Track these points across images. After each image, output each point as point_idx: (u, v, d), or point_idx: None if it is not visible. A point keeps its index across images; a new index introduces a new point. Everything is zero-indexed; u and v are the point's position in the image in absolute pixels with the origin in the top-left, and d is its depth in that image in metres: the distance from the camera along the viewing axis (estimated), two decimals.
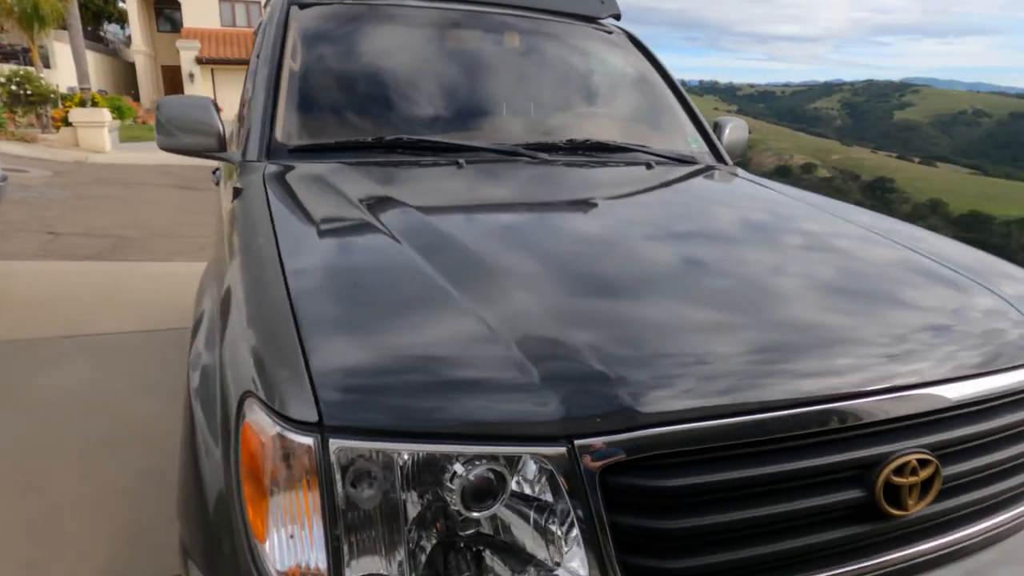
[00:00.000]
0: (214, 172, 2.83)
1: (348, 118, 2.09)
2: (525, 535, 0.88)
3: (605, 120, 2.41)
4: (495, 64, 2.39)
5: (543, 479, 0.87)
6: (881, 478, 0.99)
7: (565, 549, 0.87)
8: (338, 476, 0.85)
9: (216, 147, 1.98)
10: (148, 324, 4.48)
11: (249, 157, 1.92)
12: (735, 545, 0.93)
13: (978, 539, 1.11)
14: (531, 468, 0.88)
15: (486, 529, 0.88)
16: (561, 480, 0.87)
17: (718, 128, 2.64)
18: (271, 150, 1.92)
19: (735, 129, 2.68)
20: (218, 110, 2.04)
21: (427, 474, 0.86)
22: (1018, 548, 1.15)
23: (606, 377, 0.92)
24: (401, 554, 0.85)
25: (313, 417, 0.85)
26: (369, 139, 1.98)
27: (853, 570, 0.99)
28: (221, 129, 1.97)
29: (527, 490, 0.88)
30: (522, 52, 2.46)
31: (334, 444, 0.85)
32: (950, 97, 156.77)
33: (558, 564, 0.87)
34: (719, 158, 2.48)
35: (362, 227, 1.40)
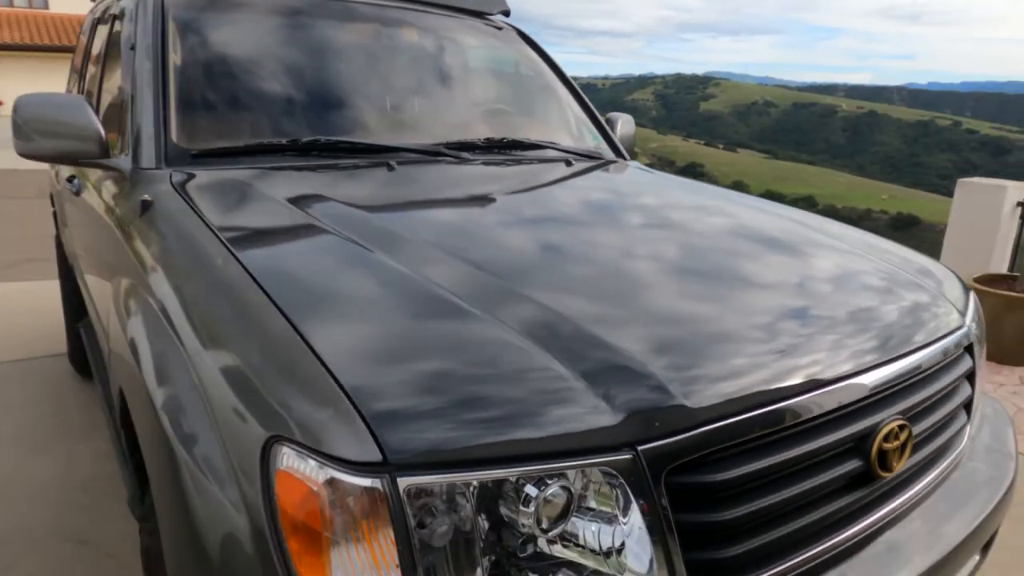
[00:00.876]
0: (70, 180, 2.45)
1: (252, 118, 1.91)
2: (596, 543, 0.86)
3: (515, 118, 2.41)
4: (401, 61, 2.29)
5: (612, 488, 0.86)
6: (875, 446, 1.09)
7: (635, 552, 0.87)
8: (411, 515, 0.78)
9: (97, 152, 1.72)
10: None
11: (144, 164, 1.69)
12: (772, 525, 0.98)
13: (930, 486, 1.26)
14: (600, 478, 0.86)
15: (559, 544, 0.85)
16: (629, 486, 0.86)
17: (611, 123, 2.73)
18: (169, 156, 1.70)
19: (625, 124, 2.80)
20: None
21: (498, 499, 0.82)
22: (954, 490, 1.32)
23: (657, 381, 0.93)
24: (466, 568, 0.80)
25: (376, 456, 0.77)
26: (283, 141, 1.82)
27: (855, 531, 1.09)
28: (102, 132, 1.71)
29: (597, 500, 0.86)
30: (426, 49, 2.38)
31: (403, 482, 0.78)
32: (744, 90, 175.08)
33: (628, 568, 0.87)
34: (618, 153, 2.57)
35: (329, 240, 1.28)
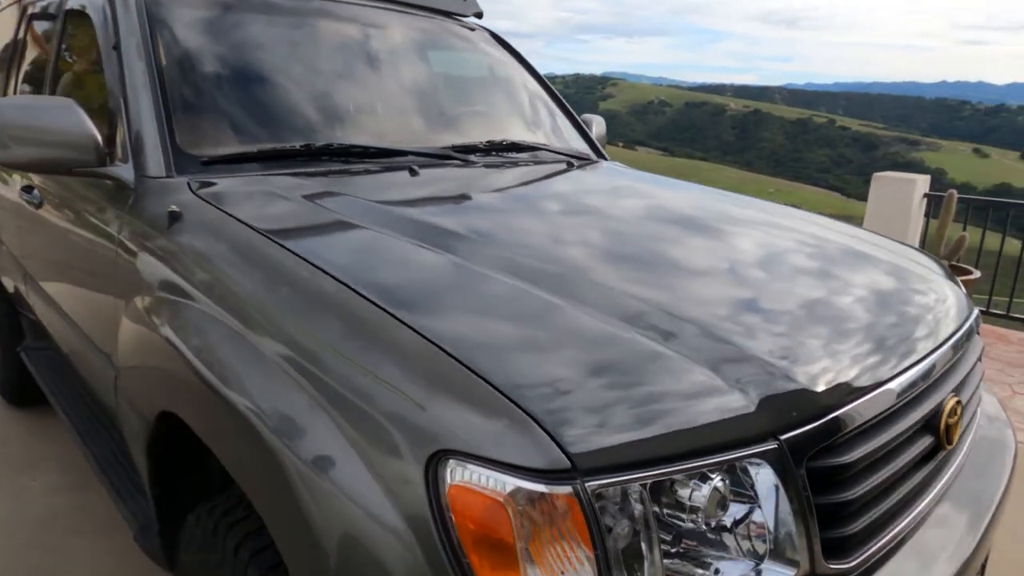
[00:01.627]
0: (27, 190, 2.23)
1: (257, 122, 1.81)
2: (750, 531, 0.89)
3: (507, 120, 2.41)
4: (397, 63, 2.24)
5: (761, 476, 0.90)
6: (943, 421, 1.19)
7: (785, 535, 0.91)
8: (600, 517, 0.78)
9: (93, 160, 1.58)
10: None
11: (151, 173, 1.58)
12: (877, 501, 1.05)
13: (968, 452, 1.38)
14: (751, 469, 0.89)
15: (721, 534, 0.88)
16: (776, 474, 0.90)
17: (587, 124, 2.79)
18: (178, 164, 1.60)
19: (598, 125, 2.87)
20: None
21: (667, 495, 0.84)
22: (977, 454, 1.45)
23: (786, 373, 0.97)
24: (649, 565, 0.82)
25: (564, 463, 0.77)
26: (296, 146, 1.75)
27: (929, 499, 1.18)
28: (98, 138, 1.58)
29: (749, 489, 0.90)
30: (421, 52, 2.34)
31: (591, 486, 0.78)
32: (640, 89, 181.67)
33: (781, 550, 0.91)
34: (598, 153, 2.63)
35: (400, 245, 1.25)
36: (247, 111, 1.82)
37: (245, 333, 1.10)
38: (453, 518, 0.80)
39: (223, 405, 1.08)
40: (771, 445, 0.90)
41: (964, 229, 4.80)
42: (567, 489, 0.78)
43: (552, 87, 2.79)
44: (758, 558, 0.90)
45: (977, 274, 4.50)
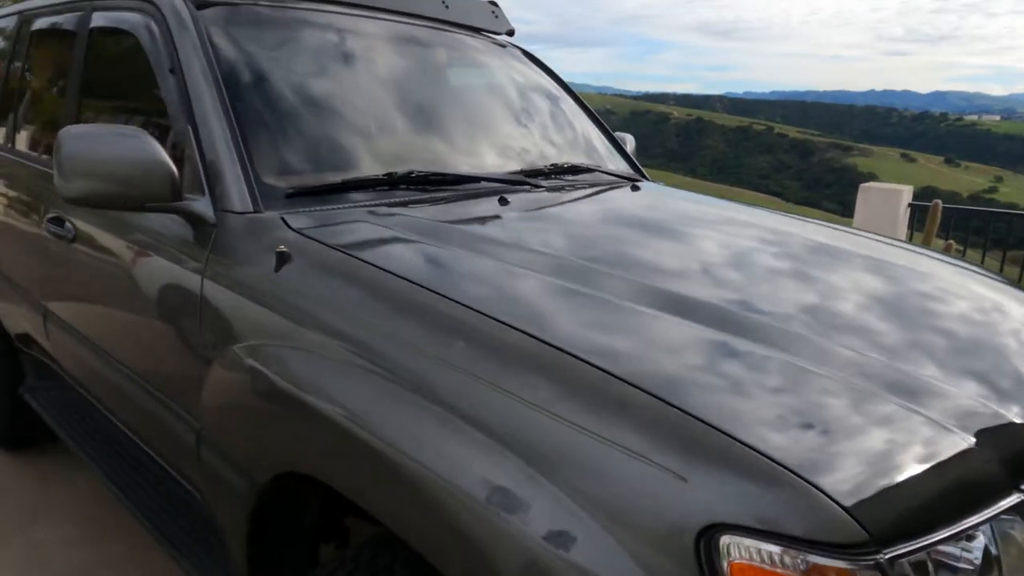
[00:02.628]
0: (56, 222, 2.05)
1: (335, 150, 1.71)
2: None
3: (564, 141, 2.36)
4: (457, 88, 2.16)
5: (1018, 530, 0.86)
6: None
7: None
8: None
9: (167, 195, 1.46)
10: None
11: (235, 208, 1.46)
12: None
13: None
14: (1007, 524, 0.86)
15: None
16: (1021, 525, 0.87)
17: (621, 142, 2.77)
18: (264, 197, 1.49)
19: (630, 143, 2.85)
20: None
21: (944, 558, 0.79)
22: None
23: (1008, 419, 0.94)
24: None
25: (863, 535, 0.72)
26: (380, 175, 1.66)
27: None
28: (174, 171, 1.46)
29: (999, 545, 0.86)
30: (480, 76, 2.27)
31: (888, 555, 0.73)
32: (586, 99, 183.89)
33: None
34: (639, 171, 2.61)
35: (539, 282, 1.18)
36: (321, 138, 1.72)
37: (415, 391, 1.01)
38: None
39: (396, 471, 0.98)
40: (1020, 497, 0.87)
41: (948, 238, 4.98)
42: (870, 562, 0.72)
43: (588, 105, 2.76)
44: None
45: None
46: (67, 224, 1.97)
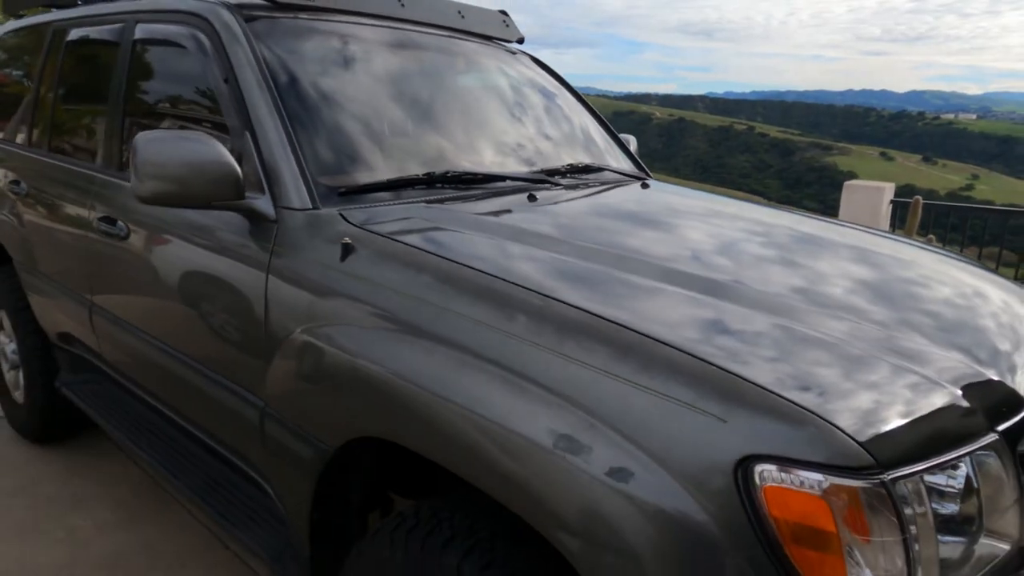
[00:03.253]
0: (108, 221, 2.18)
1: (378, 151, 1.87)
2: (991, 506, 1.04)
3: (574, 142, 2.53)
4: (478, 90, 2.32)
5: (991, 464, 1.04)
6: None
7: (1003, 512, 1.05)
8: (903, 514, 0.90)
9: (232, 194, 1.61)
10: None
11: (295, 205, 1.61)
12: None
13: None
14: (985, 459, 1.04)
15: (972, 512, 1.02)
16: (995, 459, 1.05)
17: (625, 142, 2.94)
18: (320, 195, 1.64)
19: (631, 143, 3.02)
20: None
21: (935, 492, 0.97)
22: None
23: (985, 376, 1.13)
24: (930, 560, 0.95)
25: (869, 459, 0.89)
26: (420, 175, 1.81)
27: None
28: (239, 171, 1.60)
29: (978, 475, 1.04)
30: (501, 82, 2.43)
31: (891, 477, 0.90)
32: None
33: (996, 530, 1.05)
34: (643, 170, 2.78)
35: (575, 265, 1.36)
36: (365, 141, 1.86)
37: (473, 355, 1.18)
38: (771, 515, 0.90)
39: (465, 427, 1.14)
40: (993, 436, 1.05)
41: (928, 233, 5.22)
42: (876, 482, 0.90)
43: (594, 108, 2.93)
44: (981, 533, 1.04)
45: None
46: (119, 223, 2.10)
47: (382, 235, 1.48)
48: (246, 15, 1.93)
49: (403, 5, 2.38)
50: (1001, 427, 1.07)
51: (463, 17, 2.62)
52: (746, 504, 0.91)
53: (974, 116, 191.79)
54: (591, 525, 1.00)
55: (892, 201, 5.50)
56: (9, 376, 3.24)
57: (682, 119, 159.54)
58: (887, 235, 2.15)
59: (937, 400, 1.05)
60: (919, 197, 5.06)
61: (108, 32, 2.39)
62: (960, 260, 1.97)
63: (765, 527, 0.91)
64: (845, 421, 0.94)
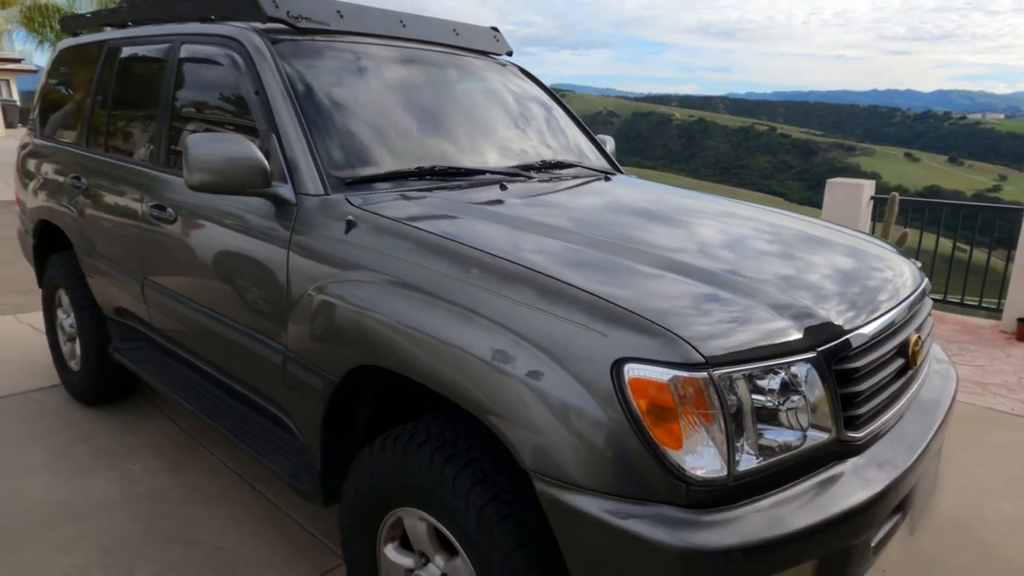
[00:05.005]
0: (158, 208, 2.63)
1: (375, 148, 2.28)
2: (806, 405, 1.42)
3: (549, 142, 2.93)
4: (468, 98, 2.74)
5: (809, 374, 1.43)
6: (910, 348, 1.75)
7: (823, 409, 1.44)
8: (724, 395, 1.30)
9: (261, 183, 2.04)
10: None
11: (310, 191, 2.04)
12: (872, 397, 1.60)
13: (927, 374, 1.97)
14: (802, 369, 1.42)
15: (785, 407, 1.40)
16: (816, 373, 1.43)
17: (602, 143, 3.33)
18: (330, 184, 2.06)
19: (609, 143, 3.42)
20: None
21: (752, 385, 1.36)
22: (934, 377, 2.03)
23: (814, 312, 1.52)
24: (748, 431, 1.34)
25: (700, 359, 1.29)
26: (411, 168, 2.24)
27: (902, 403, 1.74)
28: (266, 164, 2.03)
29: (800, 384, 1.43)
30: (485, 90, 2.85)
31: (716, 373, 1.30)
32: (589, 100, 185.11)
33: (819, 423, 1.44)
34: (615, 167, 3.18)
35: (530, 237, 1.77)
36: (366, 140, 2.28)
37: (438, 298, 1.60)
38: (632, 396, 1.30)
39: (433, 349, 1.56)
40: (813, 354, 1.44)
41: (905, 226, 5.53)
42: (704, 374, 1.29)
43: (573, 112, 3.33)
44: (804, 426, 1.43)
45: (918, 264, 5.22)
46: (168, 209, 2.55)
47: (376, 214, 1.90)
48: (272, 38, 2.36)
49: (404, 25, 2.81)
50: (820, 349, 1.46)
51: (457, 34, 3.04)
52: (618, 391, 1.32)
53: (1002, 116, 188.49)
54: (515, 411, 1.42)
55: (872, 197, 5.82)
56: (66, 348, 3.72)
57: (702, 120, 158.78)
58: (775, 210, 2.55)
59: (761, 324, 1.44)
60: (895, 193, 5.37)
61: (157, 50, 2.85)
62: (832, 226, 2.43)
63: (630, 406, 1.31)
64: (687, 334, 1.33)
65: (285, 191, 2.07)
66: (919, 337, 1.82)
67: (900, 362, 1.74)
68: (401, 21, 2.81)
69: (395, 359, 1.67)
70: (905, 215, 5.74)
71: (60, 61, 3.75)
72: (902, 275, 2.01)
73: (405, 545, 1.84)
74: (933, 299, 5.73)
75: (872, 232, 5.90)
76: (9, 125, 28.53)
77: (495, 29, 3.33)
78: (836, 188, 5.85)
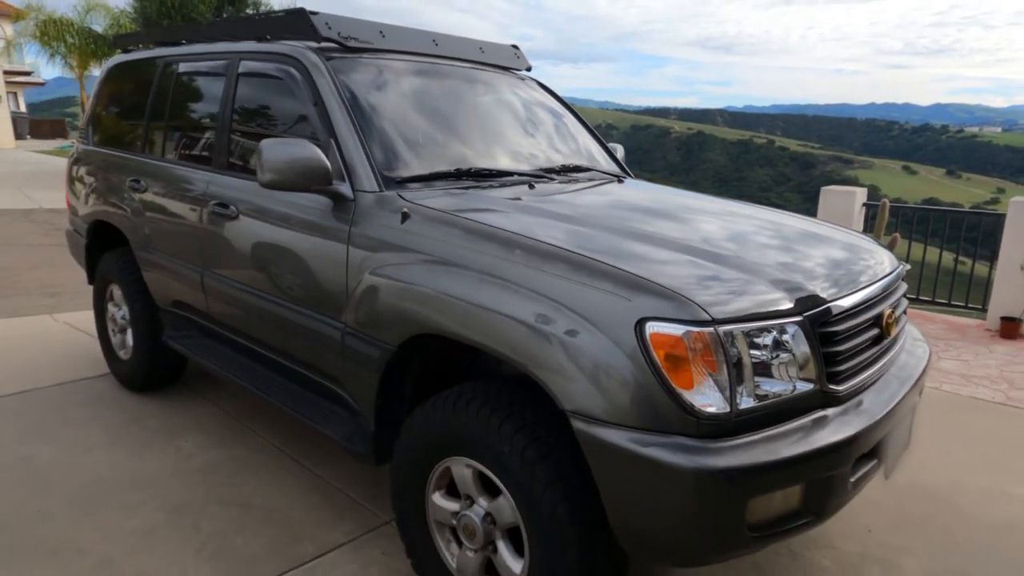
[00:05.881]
0: (222, 206, 2.94)
1: (420, 151, 2.60)
2: (794, 360, 1.72)
3: (568, 149, 3.26)
4: (497, 110, 3.07)
5: (796, 334, 1.73)
6: (884, 320, 2.06)
7: (806, 365, 1.74)
8: (727, 348, 1.61)
9: (324, 182, 2.35)
10: None
11: (367, 189, 2.35)
12: (851, 359, 1.90)
13: (902, 346, 2.27)
14: (790, 330, 1.73)
15: (774, 365, 1.71)
16: (802, 334, 1.74)
17: (614, 150, 3.66)
18: (385, 182, 2.37)
19: (619, 150, 3.74)
20: None
21: (749, 341, 1.67)
22: (910, 349, 2.35)
23: (802, 286, 1.83)
24: (747, 378, 1.64)
25: (706, 317, 1.60)
26: (451, 170, 2.55)
27: (879, 367, 2.04)
28: (328, 165, 2.34)
29: (789, 342, 1.73)
30: (509, 101, 3.17)
31: (721, 330, 1.61)
32: (588, 113, 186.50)
33: (805, 376, 1.74)
34: (625, 172, 3.50)
35: (551, 223, 2.10)
36: (408, 143, 2.59)
37: (488, 275, 1.90)
38: (652, 348, 1.61)
39: (485, 316, 1.86)
40: (800, 319, 1.75)
41: (896, 231, 5.85)
42: (711, 330, 1.60)
43: (586, 122, 3.66)
44: (793, 377, 1.73)
45: (907, 267, 5.54)
46: (231, 207, 2.86)
47: (427, 207, 2.20)
48: (327, 55, 2.68)
49: (436, 44, 3.14)
50: (806, 314, 1.77)
51: (483, 52, 3.37)
52: (640, 344, 1.62)
53: (999, 129, 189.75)
54: (555, 363, 1.72)
55: (864, 204, 6.15)
56: (115, 339, 4.02)
57: (701, 132, 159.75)
58: (774, 210, 2.87)
59: (757, 294, 1.75)
60: (886, 200, 5.69)
61: (216, 66, 3.17)
62: (824, 223, 2.76)
63: (651, 356, 1.61)
64: (697, 299, 1.64)
65: (344, 188, 2.38)
66: (892, 311, 2.13)
67: (875, 331, 2.05)
68: (434, 40, 3.14)
69: (454, 327, 1.97)
70: (897, 223, 6.06)
71: (112, 76, 4.07)
72: (880, 262, 2.32)
73: (451, 493, 2.13)
74: (923, 300, 6.05)
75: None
76: (19, 136, 28.94)
77: (516, 47, 3.66)
78: (830, 195, 6.18)
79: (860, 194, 6.11)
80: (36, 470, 3.09)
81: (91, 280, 4.22)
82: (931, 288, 5.96)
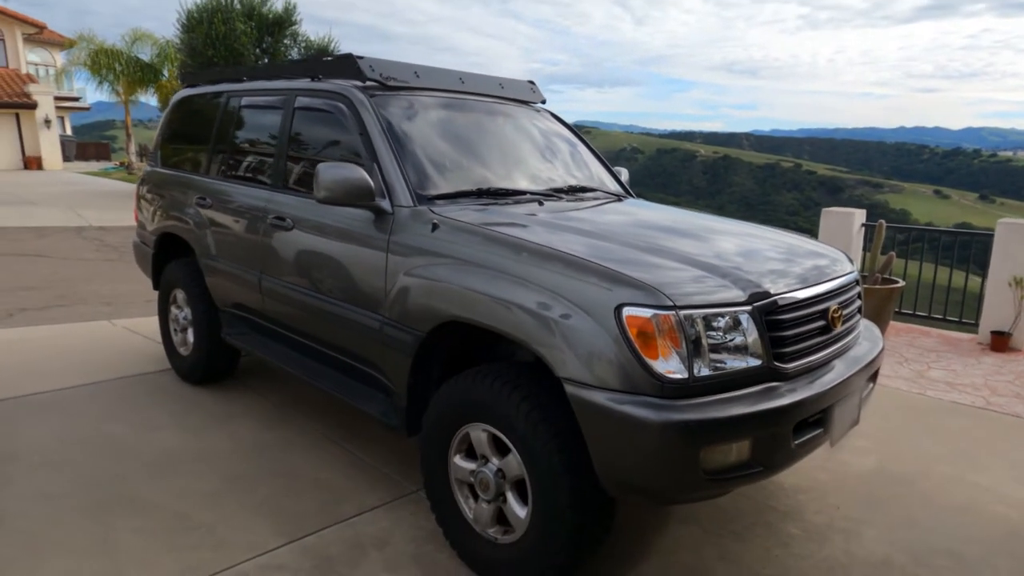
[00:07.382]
0: (279, 219, 3.46)
1: (446, 173, 3.09)
2: (745, 343, 2.15)
3: (575, 171, 3.73)
4: (514, 136, 3.57)
5: (747, 320, 2.16)
6: (830, 314, 2.48)
7: (756, 348, 2.17)
8: (686, 328, 2.05)
9: (368, 198, 2.84)
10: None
11: (404, 204, 2.84)
12: (797, 344, 2.32)
13: (851, 339, 2.68)
14: (743, 316, 2.16)
15: (727, 343, 2.13)
16: (751, 321, 2.17)
17: (618, 173, 4.12)
18: (418, 199, 2.86)
19: (623, 173, 4.20)
20: None
21: (706, 324, 2.10)
22: (861, 342, 2.75)
23: (754, 281, 2.26)
24: (704, 352, 2.07)
25: (670, 304, 2.04)
26: (473, 189, 3.04)
27: (827, 353, 2.45)
28: (372, 185, 2.84)
29: (740, 326, 2.16)
30: (525, 129, 3.67)
31: (682, 313, 2.05)
32: (613, 137, 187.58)
33: (754, 354, 2.16)
34: (627, 192, 3.95)
35: (559, 234, 2.55)
36: (436, 167, 3.09)
37: (501, 272, 2.35)
38: (628, 327, 2.05)
39: (498, 304, 2.32)
40: (750, 308, 2.18)
41: (891, 251, 6.20)
42: (673, 313, 2.04)
43: (594, 148, 4.13)
44: (745, 354, 2.15)
45: (902, 283, 5.88)
46: (287, 220, 3.38)
47: (453, 219, 2.68)
48: (370, 93, 3.20)
49: (462, 81, 3.65)
50: (755, 305, 2.20)
51: (502, 87, 3.88)
52: (618, 324, 2.06)
53: None
54: (552, 340, 2.17)
55: (863, 224, 6.51)
56: (177, 338, 4.56)
57: (727, 156, 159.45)
58: (755, 225, 3.30)
59: (715, 287, 2.18)
60: (882, 221, 6.04)
61: (275, 100, 3.71)
62: (788, 233, 3.19)
63: (626, 333, 2.05)
64: (663, 290, 2.08)
65: (384, 204, 2.87)
66: (839, 307, 2.55)
67: (822, 323, 2.46)
68: (460, 78, 3.65)
69: (472, 313, 2.43)
70: (894, 242, 6.41)
71: (179, 108, 4.66)
72: (834, 267, 2.74)
73: (469, 455, 2.57)
74: (920, 315, 6.36)
75: (863, 257, 6.57)
76: (66, 159, 30.37)
77: (532, 83, 4.16)
78: (830, 216, 6.56)
79: (859, 215, 6.47)
80: (114, 443, 3.60)
81: (156, 286, 4.77)
82: (927, 304, 6.27)
